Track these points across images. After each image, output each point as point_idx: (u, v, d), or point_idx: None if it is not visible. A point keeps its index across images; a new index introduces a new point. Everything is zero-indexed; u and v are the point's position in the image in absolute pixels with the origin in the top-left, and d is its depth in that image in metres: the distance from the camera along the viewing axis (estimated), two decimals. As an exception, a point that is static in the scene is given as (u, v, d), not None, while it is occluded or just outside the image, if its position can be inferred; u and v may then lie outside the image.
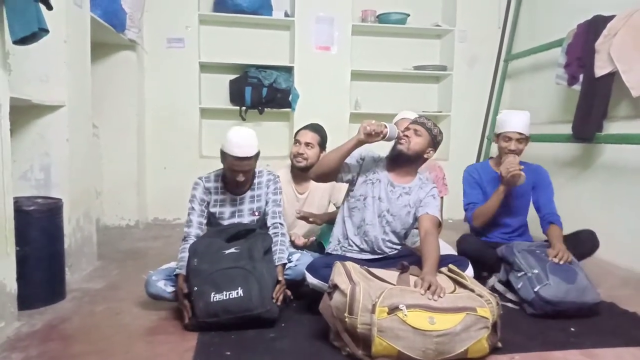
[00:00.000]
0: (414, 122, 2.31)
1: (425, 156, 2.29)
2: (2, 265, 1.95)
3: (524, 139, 2.59)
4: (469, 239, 2.62)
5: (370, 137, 2.05)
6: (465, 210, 2.73)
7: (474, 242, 2.58)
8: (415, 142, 2.23)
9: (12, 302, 2.02)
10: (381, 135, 2.07)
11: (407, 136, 2.23)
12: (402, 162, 2.26)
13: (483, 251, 2.52)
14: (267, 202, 2.41)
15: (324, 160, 2.24)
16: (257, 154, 2.28)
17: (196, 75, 4.27)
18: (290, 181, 2.73)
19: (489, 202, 2.59)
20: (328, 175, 2.23)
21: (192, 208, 2.34)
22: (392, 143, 2.28)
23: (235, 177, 2.26)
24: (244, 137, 2.21)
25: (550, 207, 2.64)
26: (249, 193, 2.40)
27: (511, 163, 2.47)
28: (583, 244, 2.52)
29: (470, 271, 2.19)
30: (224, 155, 2.26)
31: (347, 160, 2.22)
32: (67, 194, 2.55)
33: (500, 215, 2.64)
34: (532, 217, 2.74)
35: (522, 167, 2.47)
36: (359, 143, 2.10)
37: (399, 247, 2.35)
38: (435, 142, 2.28)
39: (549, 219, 2.59)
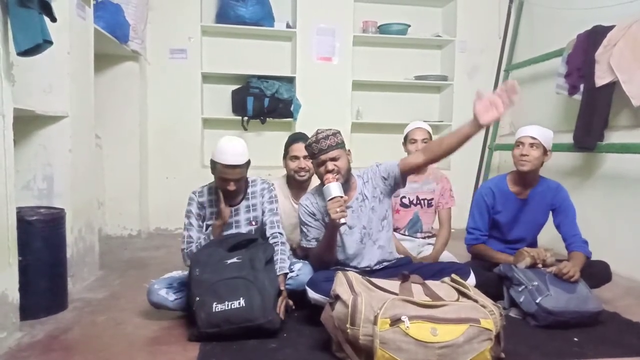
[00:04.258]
0: (325, 150, 2.13)
1: (350, 161, 2.23)
2: (4, 275, 1.95)
3: (539, 146, 2.43)
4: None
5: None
6: (468, 233, 2.65)
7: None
8: (342, 166, 2.16)
9: (14, 313, 2.01)
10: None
11: (332, 170, 2.13)
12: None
13: (486, 278, 2.36)
14: (263, 212, 2.40)
15: (323, 258, 2.25)
16: (248, 164, 2.28)
17: (198, 85, 4.30)
18: (287, 193, 2.73)
19: (497, 256, 2.51)
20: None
21: (190, 224, 2.35)
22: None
23: (225, 186, 2.25)
24: (235, 145, 2.23)
25: (573, 231, 2.50)
26: (244, 203, 2.40)
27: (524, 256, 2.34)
28: (595, 276, 2.40)
29: (472, 280, 2.18)
30: (214, 165, 2.26)
31: (313, 227, 2.26)
32: (69, 204, 2.56)
33: (508, 233, 2.61)
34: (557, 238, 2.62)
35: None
36: (335, 227, 2.10)
37: (394, 258, 2.35)
38: (344, 145, 2.20)
39: (574, 248, 2.44)
